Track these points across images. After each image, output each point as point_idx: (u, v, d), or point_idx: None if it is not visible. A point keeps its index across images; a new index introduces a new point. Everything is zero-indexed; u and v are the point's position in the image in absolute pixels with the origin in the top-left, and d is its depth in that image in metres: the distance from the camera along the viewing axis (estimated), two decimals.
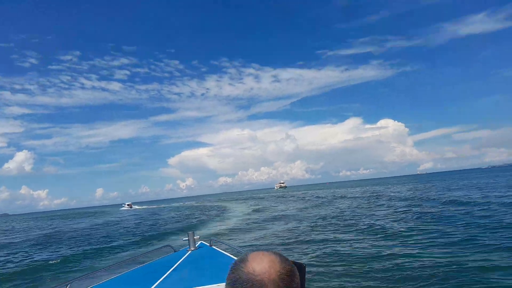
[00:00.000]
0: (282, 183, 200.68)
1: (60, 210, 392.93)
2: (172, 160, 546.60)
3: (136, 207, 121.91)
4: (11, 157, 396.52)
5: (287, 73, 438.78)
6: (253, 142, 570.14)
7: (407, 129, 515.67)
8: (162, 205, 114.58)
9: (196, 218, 34.95)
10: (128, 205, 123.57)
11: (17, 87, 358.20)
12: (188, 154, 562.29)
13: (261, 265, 1.13)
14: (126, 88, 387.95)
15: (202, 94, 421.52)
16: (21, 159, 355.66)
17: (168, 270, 4.25)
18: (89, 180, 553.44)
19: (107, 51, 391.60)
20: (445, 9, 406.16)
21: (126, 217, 50.44)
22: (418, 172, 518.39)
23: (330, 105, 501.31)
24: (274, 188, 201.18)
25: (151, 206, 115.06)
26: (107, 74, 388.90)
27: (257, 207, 42.35)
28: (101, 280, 4.24)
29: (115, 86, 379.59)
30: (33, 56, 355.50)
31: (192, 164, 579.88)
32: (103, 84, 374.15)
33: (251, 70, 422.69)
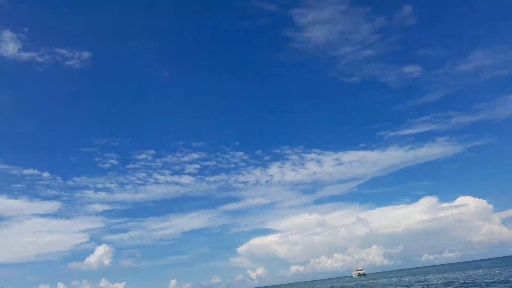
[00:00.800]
0: (361, 270, 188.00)
1: None
2: (241, 249, 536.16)
3: None
4: (92, 251, 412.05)
5: (349, 156, 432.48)
6: (322, 227, 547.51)
7: (490, 206, 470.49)
8: None
9: None
10: None
11: (99, 186, 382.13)
12: (256, 242, 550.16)
13: None
14: (197, 180, 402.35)
15: (267, 181, 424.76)
16: (100, 253, 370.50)
17: None
18: (162, 272, 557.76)
19: (178, 148, 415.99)
20: (508, 81, 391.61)
21: None
22: None
23: (399, 185, 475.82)
24: (351, 276, 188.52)
25: None
26: (179, 169, 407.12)
27: None
28: None
29: (186, 179, 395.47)
30: (113, 157, 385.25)
31: (261, 253, 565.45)
32: (175, 178, 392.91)
33: (312, 155, 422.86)
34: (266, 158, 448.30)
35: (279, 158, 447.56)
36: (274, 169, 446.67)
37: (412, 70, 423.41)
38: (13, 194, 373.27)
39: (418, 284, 47.25)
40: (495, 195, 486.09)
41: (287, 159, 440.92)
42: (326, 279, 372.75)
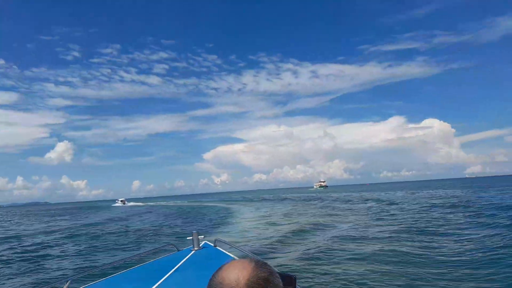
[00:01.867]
0: (323, 181, 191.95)
1: (99, 200, 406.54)
2: (208, 155, 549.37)
3: (131, 203, 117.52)
4: (52, 147, 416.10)
5: (326, 69, 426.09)
6: (290, 139, 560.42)
7: (453, 130, 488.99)
8: (162, 202, 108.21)
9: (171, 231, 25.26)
10: (121, 201, 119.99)
11: (61, 79, 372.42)
12: (223, 150, 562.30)
13: (231, 273, 1.10)
14: (165, 82, 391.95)
15: (239, 90, 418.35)
16: (61, 150, 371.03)
17: (170, 270, 4.24)
18: (126, 172, 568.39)
19: (147, 45, 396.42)
20: (501, 2, 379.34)
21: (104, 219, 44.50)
22: (467, 176, 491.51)
23: (372, 103, 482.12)
24: (312, 187, 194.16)
25: (147, 203, 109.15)
26: (146, 68, 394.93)
27: (294, 220, 31.92)
28: (101, 278, 4.20)
29: (153, 80, 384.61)
30: (76, 49, 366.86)
31: (227, 160, 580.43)
32: (142, 77, 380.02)
33: (289, 66, 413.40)
34: (241, 64, 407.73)
35: (254, 65, 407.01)
36: (248, 77, 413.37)
37: None
38: None
39: (375, 200, 46.07)
40: (460, 119, 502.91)
41: (263, 68, 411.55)
42: (287, 188, 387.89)
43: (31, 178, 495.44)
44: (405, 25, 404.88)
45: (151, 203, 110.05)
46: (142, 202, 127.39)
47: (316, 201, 54.28)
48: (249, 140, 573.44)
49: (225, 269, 1.11)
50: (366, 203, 43.74)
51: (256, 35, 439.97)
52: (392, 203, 38.62)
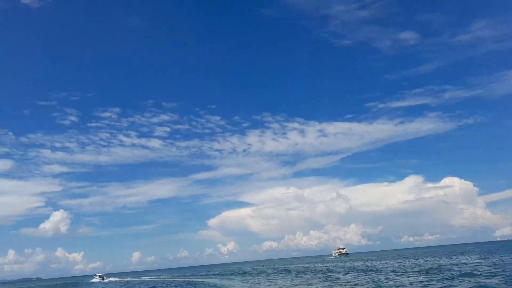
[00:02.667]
0: (343, 248, 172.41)
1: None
2: (212, 222, 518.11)
3: (110, 279, 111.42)
4: (47, 217, 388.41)
5: (334, 127, 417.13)
6: (300, 201, 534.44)
7: (476, 189, 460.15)
8: (140, 278, 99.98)
9: None
10: (99, 276, 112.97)
11: (57, 144, 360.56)
12: (229, 215, 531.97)
13: None
14: (166, 145, 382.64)
15: (244, 150, 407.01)
16: (57, 220, 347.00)
17: None
18: (125, 243, 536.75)
19: (147, 108, 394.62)
20: (508, 56, 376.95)
21: None
22: (498, 239, 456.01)
23: (385, 162, 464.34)
24: (331, 255, 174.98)
25: (125, 279, 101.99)
26: (147, 131, 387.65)
27: None
28: None
29: (155, 143, 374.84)
30: (73, 113, 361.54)
31: (233, 226, 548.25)
32: (142, 141, 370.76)
33: (295, 125, 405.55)
34: (245, 124, 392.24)
35: (258, 125, 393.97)
36: (252, 138, 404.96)
37: (408, 36, 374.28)
38: None
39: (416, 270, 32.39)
40: (482, 177, 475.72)
41: (268, 128, 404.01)
42: (302, 257, 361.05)
43: (23, 252, 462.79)
44: (412, 81, 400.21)
45: (135, 279, 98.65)
46: (121, 278, 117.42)
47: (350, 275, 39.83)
48: (256, 203, 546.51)
49: None
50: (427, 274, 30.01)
51: (260, 95, 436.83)
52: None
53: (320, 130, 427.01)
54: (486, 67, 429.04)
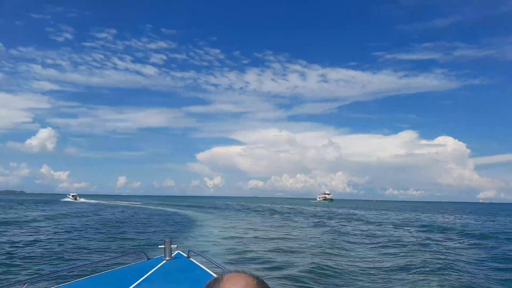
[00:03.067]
0: (328, 194, 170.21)
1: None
2: (201, 155, 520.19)
3: (82, 199, 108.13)
4: (34, 133, 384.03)
5: (336, 73, 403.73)
6: (291, 145, 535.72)
7: (468, 150, 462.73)
8: (116, 202, 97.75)
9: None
10: (72, 196, 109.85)
11: (49, 61, 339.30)
12: (219, 151, 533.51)
13: (236, 286, 1.08)
14: (161, 73, 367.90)
15: (241, 88, 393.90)
16: (44, 136, 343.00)
17: (138, 279, 3.99)
18: (112, 167, 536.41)
19: (145, 32, 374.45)
20: None
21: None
22: (480, 200, 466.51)
23: (383, 114, 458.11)
24: (315, 199, 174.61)
25: (100, 201, 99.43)
26: (142, 57, 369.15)
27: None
28: (63, 281, 4.06)
29: (149, 70, 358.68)
30: (68, 30, 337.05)
31: (222, 162, 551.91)
32: (137, 67, 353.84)
33: (297, 67, 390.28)
34: (245, 61, 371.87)
35: (259, 63, 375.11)
36: (251, 76, 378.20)
37: None
38: None
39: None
40: (476, 140, 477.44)
41: (268, 67, 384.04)
42: (286, 198, 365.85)
43: (8, 165, 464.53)
44: (424, 34, 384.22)
45: (110, 202, 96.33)
46: (96, 200, 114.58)
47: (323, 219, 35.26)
48: (247, 142, 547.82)
49: (228, 281, 1.07)
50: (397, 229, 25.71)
51: (264, 32, 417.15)
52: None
53: (322, 75, 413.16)
54: (503, 28, 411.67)
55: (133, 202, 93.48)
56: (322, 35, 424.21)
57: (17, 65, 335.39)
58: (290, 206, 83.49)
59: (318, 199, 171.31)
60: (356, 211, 64.23)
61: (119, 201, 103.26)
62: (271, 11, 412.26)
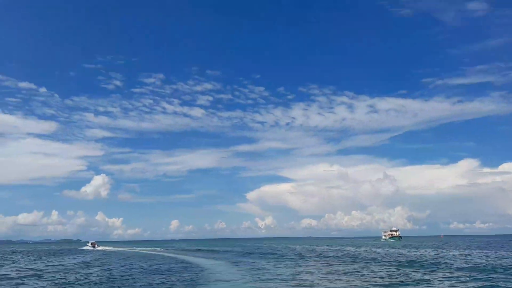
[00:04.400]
0: (395, 230, 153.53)
1: (133, 241, 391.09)
2: (251, 195, 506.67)
3: (100, 247, 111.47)
4: (88, 180, 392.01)
5: (386, 103, 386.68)
6: (344, 180, 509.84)
7: None
8: (136, 249, 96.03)
9: None
10: (91, 244, 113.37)
11: (101, 109, 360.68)
12: (268, 190, 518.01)
13: None
14: (208, 114, 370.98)
15: (287, 124, 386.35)
16: (98, 184, 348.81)
17: None
18: (164, 211, 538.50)
19: (191, 75, 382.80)
20: None
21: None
22: None
23: (439, 143, 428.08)
24: (380, 237, 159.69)
25: (119, 248, 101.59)
26: (190, 99, 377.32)
27: None
28: None
29: (197, 112, 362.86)
30: (118, 78, 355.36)
31: (272, 201, 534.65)
32: (185, 109, 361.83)
33: (343, 99, 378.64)
34: (290, 97, 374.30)
35: (304, 98, 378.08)
36: (297, 111, 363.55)
37: (476, 7, 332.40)
38: (7, 108, 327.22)
39: None
40: None
41: (314, 101, 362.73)
42: (344, 238, 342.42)
43: (66, 213, 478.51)
44: (476, 57, 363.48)
45: (126, 249, 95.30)
46: (113, 247, 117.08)
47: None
48: (297, 179, 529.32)
49: None
50: None
51: (307, 66, 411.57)
52: None
53: (371, 106, 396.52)
54: None
55: (157, 248, 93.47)
56: (368, 65, 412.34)
57: (71, 115, 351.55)
58: (354, 249, 72.59)
59: (383, 237, 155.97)
60: (439, 252, 52.92)
61: (140, 248, 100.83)
62: (313, 44, 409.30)
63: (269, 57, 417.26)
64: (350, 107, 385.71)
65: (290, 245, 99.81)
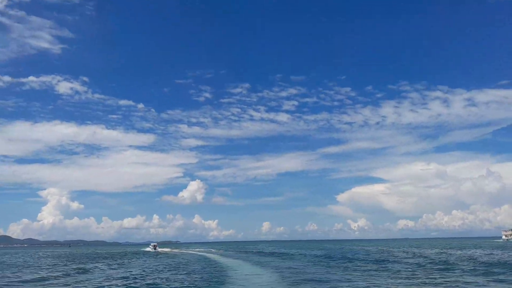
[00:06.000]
0: None
1: (227, 242, 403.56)
2: (342, 196, 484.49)
3: (160, 249, 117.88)
4: (185, 186, 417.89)
5: (486, 95, 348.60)
6: (442, 179, 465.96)
7: None
8: (195, 250, 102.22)
9: None
10: (153, 246, 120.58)
11: (193, 120, 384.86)
12: (359, 191, 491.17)
13: None
14: (294, 119, 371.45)
15: (377, 123, 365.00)
16: (194, 189, 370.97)
17: None
18: (255, 213, 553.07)
19: (275, 82, 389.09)
20: None
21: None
22: None
23: None
24: (500, 237, 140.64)
25: (172, 250, 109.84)
26: (275, 106, 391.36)
27: None
28: None
29: (283, 117, 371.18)
30: (207, 90, 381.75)
31: (365, 203, 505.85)
32: (271, 115, 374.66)
33: (437, 93, 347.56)
34: (379, 95, 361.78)
35: (394, 95, 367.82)
36: (387, 109, 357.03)
37: None
38: (110, 124, 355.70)
39: None
40: None
41: (405, 97, 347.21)
42: (447, 239, 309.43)
43: (165, 217, 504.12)
44: None
45: (183, 251, 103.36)
46: (170, 248, 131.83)
47: None
48: (391, 180, 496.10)
49: None
50: None
51: (396, 62, 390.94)
52: None
53: (468, 99, 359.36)
54: None
55: (211, 249, 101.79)
56: (462, 55, 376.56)
57: (167, 127, 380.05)
58: (479, 252, 58.82)
59: (504, 237, 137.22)
60: None
61: (191, 250, 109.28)
62: (400, 41, 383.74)
63: (354, 57, 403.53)
64: (445, 101, 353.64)
65: (390, 248, 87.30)
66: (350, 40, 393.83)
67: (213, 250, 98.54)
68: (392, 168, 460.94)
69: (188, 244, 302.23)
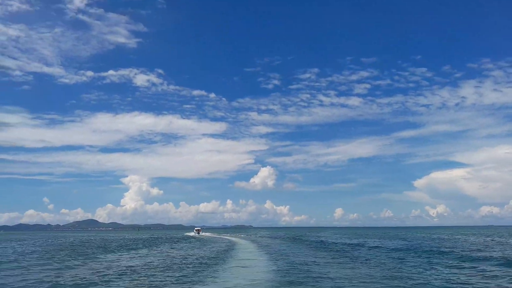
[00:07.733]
0: None
1: (300, 227, 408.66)
2: (419, 182, 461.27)
3: (203, 234, 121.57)
4: (256, 172, 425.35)
5: None
6: None
7: None
8: (231, 235, 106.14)
9: None
10: (197, 230, 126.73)
11: (263, 107, 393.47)
12: (438, 176, 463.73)
13: None
14: (367, 102, 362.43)
15: (456, 104, 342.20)
16: (265, 175, 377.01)
17: None
18: (327, 199, 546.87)
19: (345, 65, 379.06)
20: None
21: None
22: None
23: None
24: None
25: (213, 235, 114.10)
26: (346, 90, 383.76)
27: None
28: None
29: (354, 101, 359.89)
30: (276, 77, 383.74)
31: (443, 188, 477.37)
32: (342, 100, 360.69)
33: None
34: (457, 75, 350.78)
35: (475, 75, 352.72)
36: (467, 89, 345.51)
37: None
38: (185, 114, 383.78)
39: None
40: None
41: (487, 76, 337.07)
42: None
43: (238, 202, 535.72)
44: None
45: (224, 236, 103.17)
46: (217, 233, 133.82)
47: None
48: (472, 164, 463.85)
49: None
50: None
51: (476, 39, 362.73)
52: None
53: None
54: None
55: (254, 233, 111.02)
56: None
57: (238, 115, 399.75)
58: None
59: None
60: None
61: (237, 235, 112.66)
62: (480, 13, 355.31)
63: (429, 35, 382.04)
64: None
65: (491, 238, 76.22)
66: (424, 17, 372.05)
67: (258, 236, 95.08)
68: (473, 152, 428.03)
69: (260, 229, 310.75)
